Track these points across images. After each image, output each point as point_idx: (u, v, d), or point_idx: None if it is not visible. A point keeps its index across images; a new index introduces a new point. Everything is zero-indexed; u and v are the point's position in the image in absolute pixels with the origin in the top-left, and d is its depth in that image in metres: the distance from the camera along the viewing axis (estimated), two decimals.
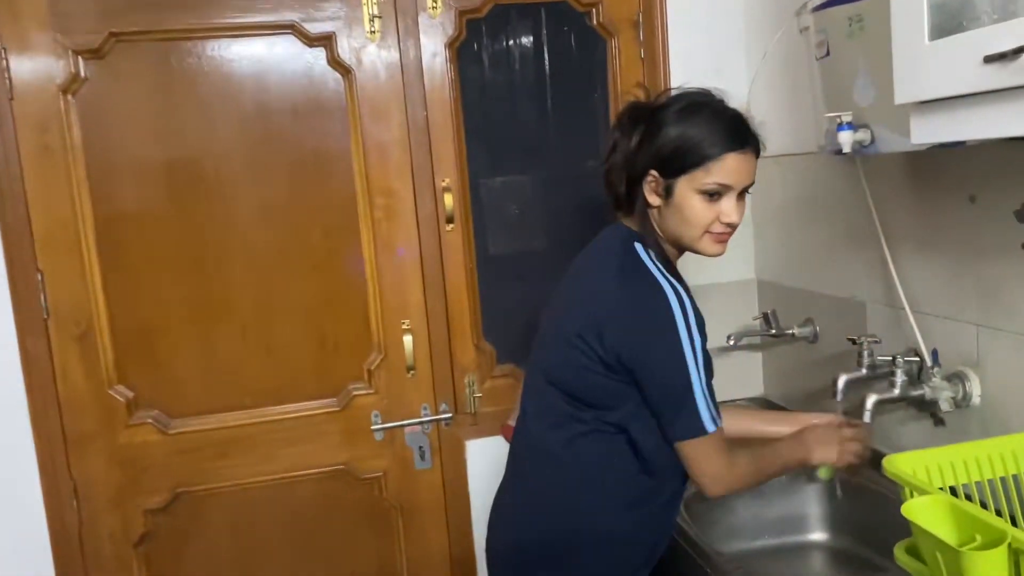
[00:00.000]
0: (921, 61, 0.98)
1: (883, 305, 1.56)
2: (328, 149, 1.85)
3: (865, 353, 1.48)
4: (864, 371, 1.48)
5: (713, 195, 1.21)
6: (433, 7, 1.86)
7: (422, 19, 1.86)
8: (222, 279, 1.83)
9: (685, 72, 1.96)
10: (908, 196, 1.46)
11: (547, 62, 1.97)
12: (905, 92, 1.02)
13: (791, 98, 1.79)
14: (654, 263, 1.24)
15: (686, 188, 1.21)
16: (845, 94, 1.31)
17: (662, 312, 1.19)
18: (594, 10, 1.93)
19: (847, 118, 1.26)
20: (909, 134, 1.04)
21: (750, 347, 2.04)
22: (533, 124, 2.00)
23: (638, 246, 1.26)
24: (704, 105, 1.24)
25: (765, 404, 2.02)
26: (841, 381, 1.47)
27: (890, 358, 1.40)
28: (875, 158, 1.46)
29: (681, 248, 1.30)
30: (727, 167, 1.20)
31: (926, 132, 1.02)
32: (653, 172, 1.23)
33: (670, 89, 1.35)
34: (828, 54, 1.34)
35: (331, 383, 1.91)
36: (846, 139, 1.26)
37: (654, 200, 1.25)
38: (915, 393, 1.36)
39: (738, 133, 1.22)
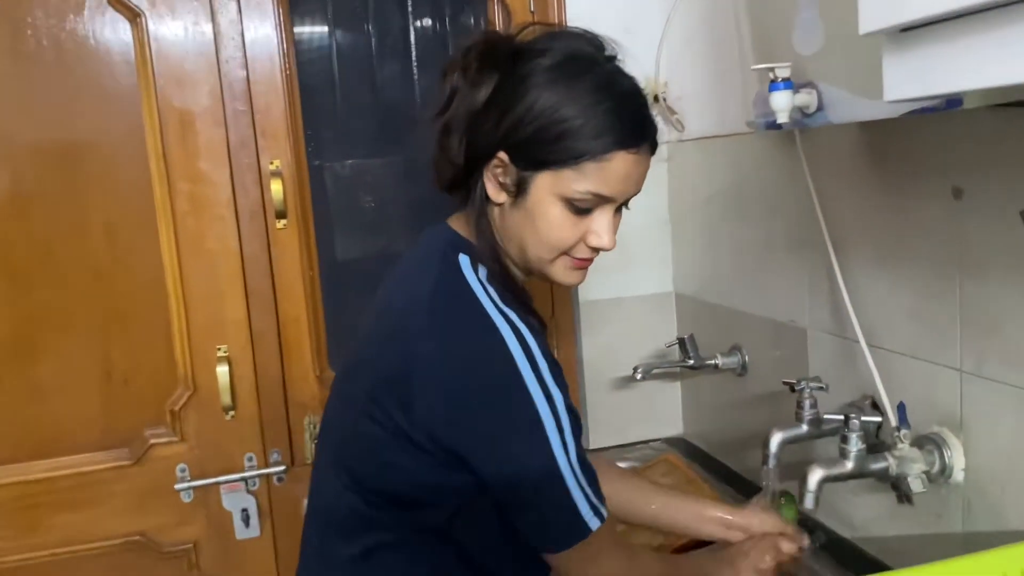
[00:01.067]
0: None
1: (831, 335, 1.17)
2: (110, 121, 1.39)
3: (807, 403, 1.09)
4: (805, 428, 1.09)
5: (582, 208, 0.84)
6: None
7: None
8: None
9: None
10: (866, 188, 1.06)
11: (411, 15, 1.54)
12: (874, 15, 0.61)
13: (714, 60, 1.38)
14: (484, 286, 0.85)
15: (546, 189, 0.83)
16: (782, 39, 0.91)
17: (498, 366, 0.79)
18: None
19: (783, 73, 0.86)
20: (872, 93, 0.65)
21: (667, 376, 1.65)
22: (394, 94, 1.56)
23: (464, 260, 0.87)
24: (590, 65, 0.84)
25: (684, 447, 1.63)
26: (774, 443, 1.08)
27: (841, 417, 1.01)
28: (822, 133, 1.06)
29: (523, 265, 0.91)
30: (611, 171, 0.82)
31: (904, 82, 0.62)
32: (502, 154, 0.84)
33: (542, 25, 0.94)
34: None
35: (121, 429, 1.45)
36: (782, 103, 0.86)
37: (496, 195, 0.87)
38: (875, 467, 0.97)
39: (635, 122, 0.83)
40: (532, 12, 1.55)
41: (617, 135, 0.81)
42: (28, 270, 1.38)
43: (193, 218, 1.43)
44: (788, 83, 0.85)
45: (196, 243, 1.43)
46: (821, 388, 1.12)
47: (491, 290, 0.85)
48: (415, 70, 1.57)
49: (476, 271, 0.86)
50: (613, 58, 0.88)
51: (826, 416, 1.07)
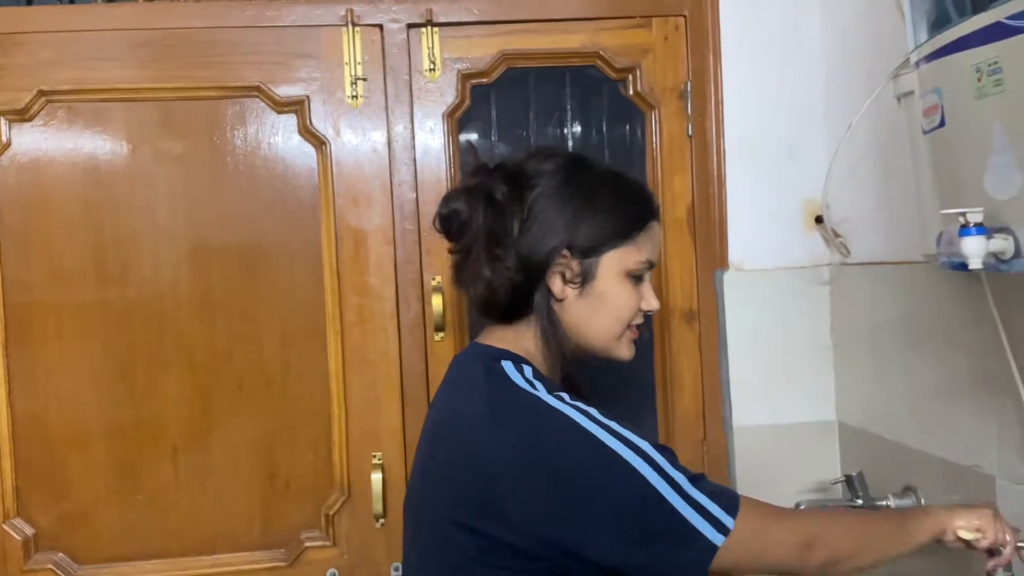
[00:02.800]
0: None
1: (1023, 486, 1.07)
2: (293, 236, 1.50)
3: (1000, 571, 0.99)
4: None
5: (640, 278, 0.98)
6: (431, 69, 1.52)
7: (416, 83, 1.52)
8: (152, 390, 1.48)
9: (745, 156, 1.55)
10: None
11: (570, 139, 1.60)
12: None
13: (885, 187, 1.35)
14: (532, 383, 0.91)
15: (611, 269, 0.96)
16: (970, 182, 0.87)
17: (578, 443, 0.85)
18: (630, 76, 1.56)
19: (975, 218, 0.82)
20: None
21: None
22: None
23: (507, 365, 0.93)
24: (588, 162, 1.02)
25: None
26: None
27: None
28: (1005, 277, 1.00)
29: (580, 354, 1.00)
30: (654, 238, 1.00)
31: None
32: (566, 252, 0.94)
33: (487, 161, 1.03)
34: (943, 123, 0.91)
35: (279, 530, 1.50)
36: (974, 248, 0.82)
37: (563, 291, 0.95)
38: None
39: (650, 195, 1.04)
40: (690, 136, 1.57)
41: (648, 204, 1.01)
42: (209, 374, 1.49)
43: (359, 329, 1.50)
44: (981, 228, 0.81)
45: (360, 354, 1.50)
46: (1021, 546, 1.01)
47: (539, 384, 0.90)
48: None
49: (521, 372, 0.91)
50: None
51: None
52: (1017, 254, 0.82)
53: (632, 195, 0.99)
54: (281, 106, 1.49)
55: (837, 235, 1.49)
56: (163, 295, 1.48)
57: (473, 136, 1.59)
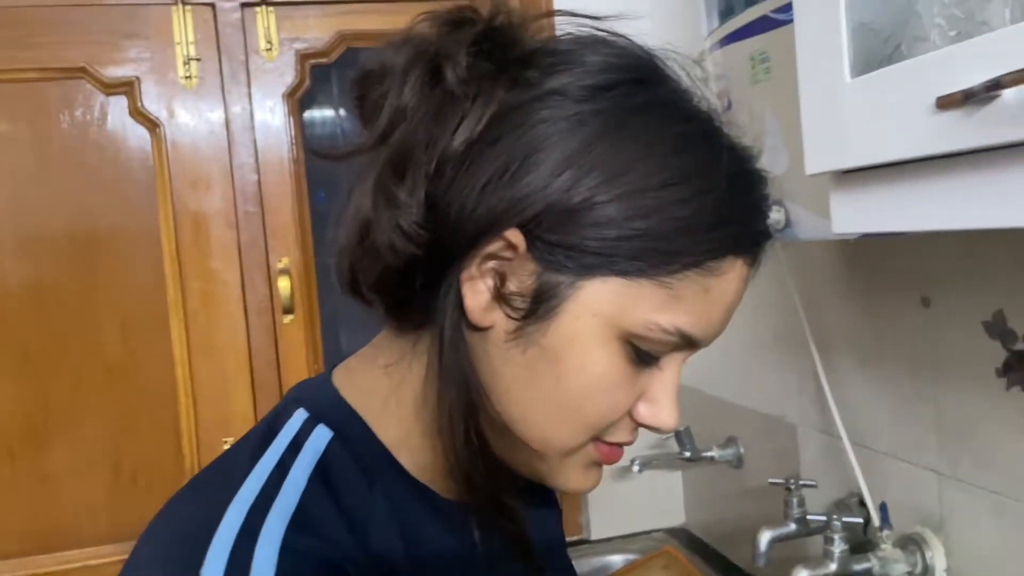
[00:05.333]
0: (840, 110, 0.63)
1: (819, 431, 1.19)
2: (130, 221, 1.47)
3: (794, 501, 1.10)
4: (793, 526, 1.10)
5: (650, 356, 0.48)
6: (268, 49, 1.51)
7: (254, 63, 1.50)
8: None
9: None
10: (843, 294, 1.10)
11: None
12: (818, 158, 0.67)
13: None
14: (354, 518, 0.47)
15: (598, 313, 0.46)
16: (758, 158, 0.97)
17: None
18: None
19: None
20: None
21: (670, 467, 1.66)
22: None
23: (310, 451, 0.49)
24: (677, 93, 0.52)
25: (686, 537, 1.63)
26: (763, 540, 1.09)
27: (824, 518, 1.03)
28: (801, 242, 1.11)
29: (506, 441, 0.50)
30: (720, 291, 0.49)
31: (850, 218, 0.67)
32: (512, 235, 0.46)
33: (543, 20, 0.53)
34: (729, 106, 1.00)
35: (128, 523, 1.48)
36: None
37: (483, 314, 0.47)
38: (858, 568, 0.98)
39: (759, 211, 0.53)
40: None
41: (742, 230, 0.49)
42: (44, 366, 1.44)
43: (204, 315, 1.49)
44: None
45: (206, 340, 1.49)
46: (811, 485, 1.14)
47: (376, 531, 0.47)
48: None
49: (346, 475, 0.48)
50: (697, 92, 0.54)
51: (810, 517, 1.08)
52: (788, 224, 0.91)
53: (733, 191, 0.48)
54: (110, 88, 1.45)
55: None
56: None
57: (317, 114, 1.59)
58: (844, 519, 1.01)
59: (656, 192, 0.46)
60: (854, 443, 1.07)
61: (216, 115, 1.48)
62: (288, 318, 1.52)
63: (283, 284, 1.50)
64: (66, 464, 1.45)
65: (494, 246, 0.46)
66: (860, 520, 1.04)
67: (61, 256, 1.44)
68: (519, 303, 0.46)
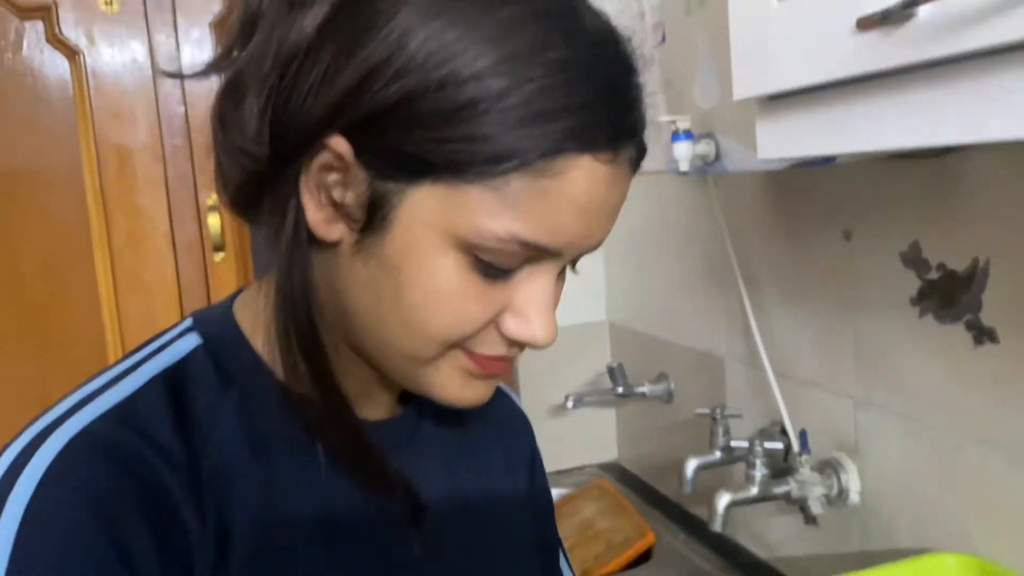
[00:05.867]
0: (766, 35, 0.64)
1: (744, 365, 1.23)
2: (49, 155, 1.41)
3: (720, 430, 1.15)
4: (718, 454, 1.15)
5: (498, 268, 0.45)
6: None
7: None
8: None
9: None
10: (769, 228, 1.13)
11: None
12: (745, 84, 0.68)
13: None
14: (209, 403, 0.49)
15: (428, 221, 0.44)
16: (685, 93, 0.97)
17: None
18: None
19: (684, 125, 0.92)
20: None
21: (603, 403, 1.70)
22: None
23: (182, 347, 0.51)
24: None
25: (618, 472, 1.68)
26: (689, 468, 1.13)
27: (747, 444, 1.07)
28: (730, 177, 1.14)
29: (368, 354, 0.50)
30: (565, 196, 0.44)
31: (775, 144, 0.68)
32: (337, 141, 0.44)
33: None
34: (663, 40, 1.00)
35: None
36: (683, 153, 0.92)
37: (325, 226, 0.46)
38: (778, 491, 1.03)
39: (616, 101, 0.46)
40: None
41: (582, 122, 0.43)
42: None
43: (130, 251, 1.45)
44: (689, 134, 0.92)
45: (133, 276, 1.45)
46: (736, 416, 1.18)
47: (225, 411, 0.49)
48: None
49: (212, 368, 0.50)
50: None
51: (734, 444, 1.12)
52: (718, 157, 0.93)
53: (560, 82, 0.42)
54: (25, 12, 1.37)
55: None
56: None
57: None
58: (765, 445, 1.05)
59: (472, 85, 0.41)
60: (777, 374, 1.12)
61: (139, 44, 1.42)
62: (219, 255, 1.49)
63: (213, 221, 1.47)
64: None
65: (324, 156, 0.45)
66: (781, 446, 1.08)
67: None
68: (357, 215, 0.45)
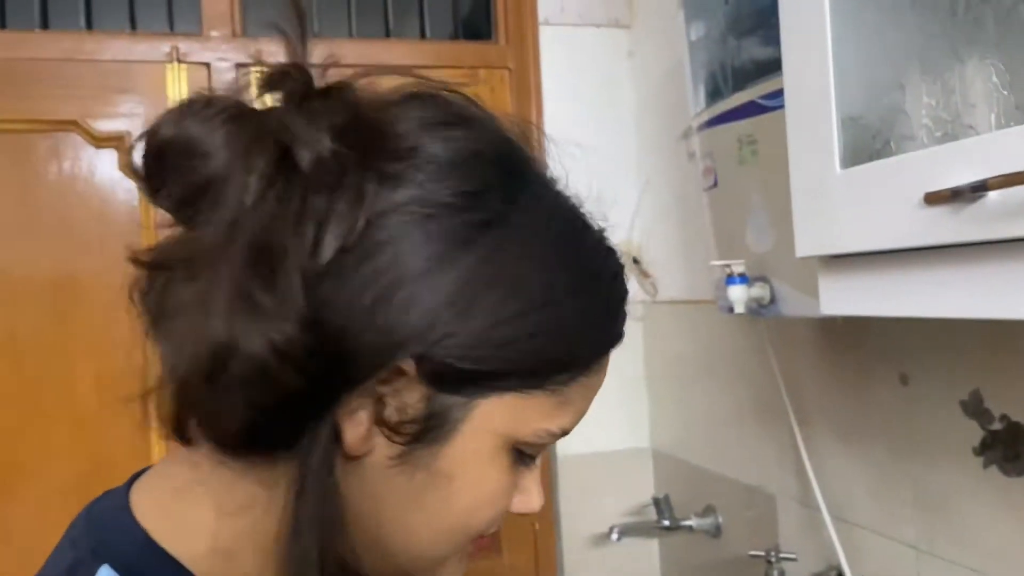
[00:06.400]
0: (829, 199, 0.66)
1: (798, 503, 1.20)
2: (112, 275, 1.46)
3: (775, 574, 1.11)
4: None
5: (530, 457, 0.49)
6: None
7: None
8: None
9: None
10: (823, 368, 1.13)
11: None
12: (808, 242, 0.69)
13: (686, 234, 1.48)
14: None
15: (492, 428, 0.45)
16: (737, 236, 1.00)
17: None
18: None
19: (738, 268, 0.94)
20: (817, 295, 0.72)
21: (648, 536, 1.65)
22: None
23: None
24: (532, 178, 0.49)
25: None
26: None
27: None
28: (780, 319, 1.14)
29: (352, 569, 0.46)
30: (593, 389, 0.50)
31: (839, 300, 0.69)
32: (407, 365, 0.42)
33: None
34: (716, 184, 1.03)
35: None
36: (737, 296, 0.93)
37: (361, 443, 0.43)
38: None
39: (625, 294, 0.52)
40: None
41: (619, 323, 0.50)
42: (9, 418, 1.41)
43: None
44: (744, 278, 0.93)
45: None
46: (791, 559, 1.14)
47: None
48: None
49: None
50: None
51: None
52: (773, 300, 0.94)
53: (611, 288, 0.50)
54: (100, 141, 1.45)
55: (647, 275, 1.62)
56: None
57: None
58: None
59: (549, 307, 0.45)
60: (834, 516, 1.09)
61: None
62: None
63: None
64: (30, 524, 1.41)
65: (383, 374, 0.42)
66: None
67: (39, 305, 1.43)
68: (407, 429, 0.43)
